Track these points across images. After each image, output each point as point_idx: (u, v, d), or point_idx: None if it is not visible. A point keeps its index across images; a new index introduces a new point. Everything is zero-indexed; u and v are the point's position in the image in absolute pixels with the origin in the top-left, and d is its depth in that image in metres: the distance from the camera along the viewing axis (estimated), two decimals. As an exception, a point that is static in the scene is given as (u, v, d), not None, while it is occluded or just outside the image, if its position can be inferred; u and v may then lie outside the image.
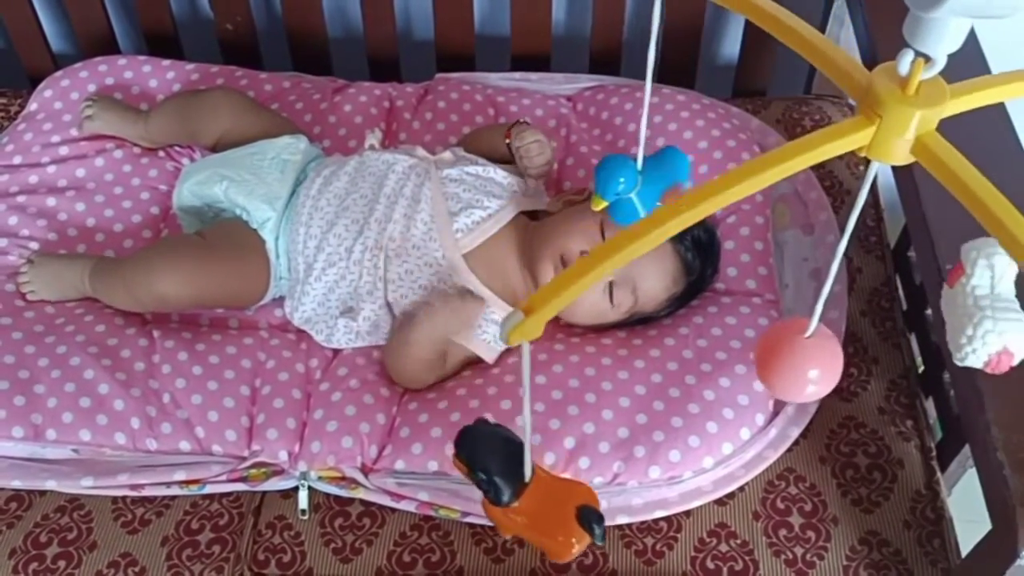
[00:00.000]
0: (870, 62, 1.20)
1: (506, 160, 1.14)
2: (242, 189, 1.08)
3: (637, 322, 1.07)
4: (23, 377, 1.00)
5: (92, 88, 1.30)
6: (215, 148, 1.19)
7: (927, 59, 0.46)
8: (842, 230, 1.17)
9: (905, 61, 0.46)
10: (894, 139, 0.49)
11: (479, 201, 1.06)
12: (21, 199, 1.19)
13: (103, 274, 1.08)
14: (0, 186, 1.21)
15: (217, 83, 1.32)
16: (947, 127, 0.50)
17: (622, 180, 0.82)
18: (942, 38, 0.46)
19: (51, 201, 1.19)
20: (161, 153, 1.25)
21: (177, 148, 1.25)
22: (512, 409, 0.98)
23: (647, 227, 0.50)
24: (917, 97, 0.48)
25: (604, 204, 0.84)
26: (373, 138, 1.16)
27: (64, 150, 1.25)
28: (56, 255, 1.13)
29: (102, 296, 1.09)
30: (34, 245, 1.16)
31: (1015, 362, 0.62)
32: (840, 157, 1.28)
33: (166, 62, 1.34)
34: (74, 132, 1.26)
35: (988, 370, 0.65)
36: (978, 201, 0.48)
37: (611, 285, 1.02)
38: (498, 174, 1.10)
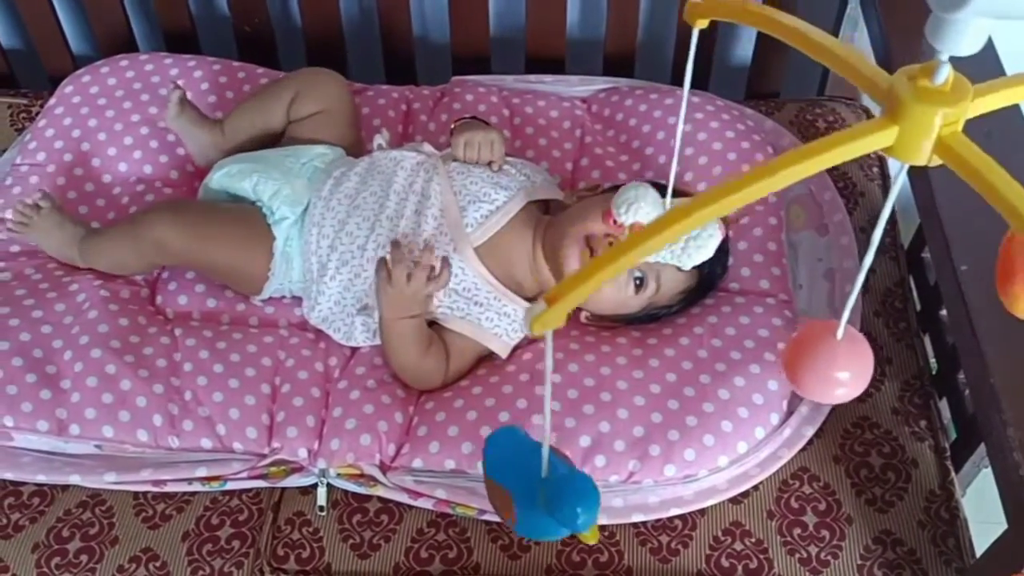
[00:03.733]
0: (885, 65, 1.20)
1: None
2: (269, 187, 1.10)
3: (649, 319, 1.08)
4: (50, 372, 1.02)
5: (113, 82, 1.31)
6: (285, 131, 1.19)
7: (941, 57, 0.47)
8: (857, 230, 1.19)
9: (944, 71, 0.47)
10: (918, 140, 0.50)
11: (487, 194, 1.08)
12: None
13: (104, 237, 1.12)
14: (29, 187, 1.22)
15: (239, 77, 1.33)
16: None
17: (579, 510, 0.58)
18: (964, 39, 0.46)
19: (83, 209, 1.22)
20: (181, 151, 1.26)
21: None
22: (528, 408, 0.99)
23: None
24: (941, 96, 0.48)
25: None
26: (381, 139, 1.17)
27: (86, 145, 1.26)
28: (59, 214, 1.14)
29: (101, 263, 1.12)
30: None
31: None
32: (854, 159, 1.30)
33: (189, 59, 1.35)
34: (92, 123, 1.27)
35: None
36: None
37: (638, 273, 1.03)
38: (505, 165, 1.11)
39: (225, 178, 1.12)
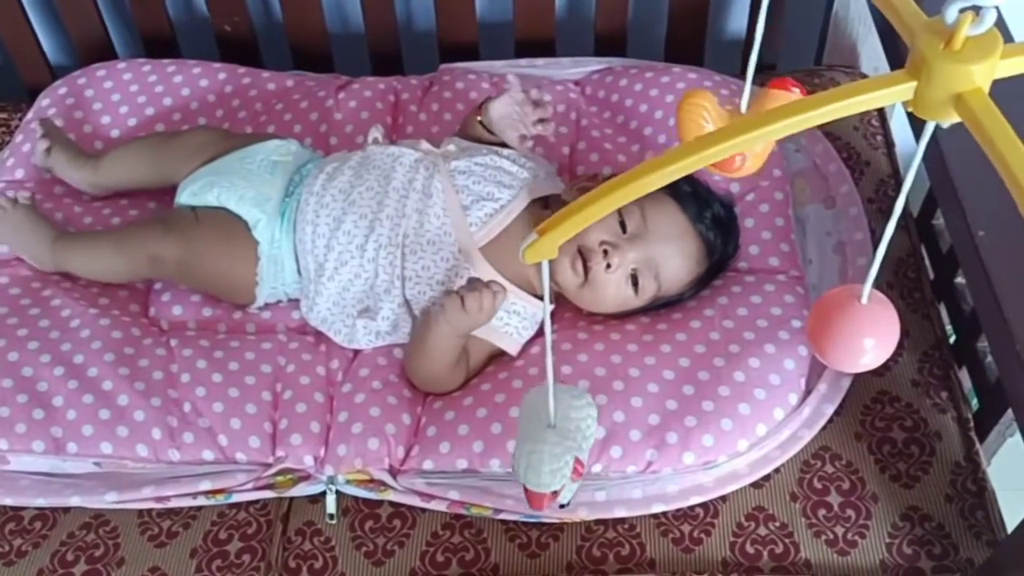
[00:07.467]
0: (885, 28, 1.17)
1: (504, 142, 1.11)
2: (232, 194, 1.07)
3: (661, 306, 1.05)
4: (41, 390, 0.99)
5: (90, 94, 1.28)
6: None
7: (977, 12, 0.44)
8: (864, 201, 1.16)
9: (952, 10, 0.44)
10: (936, 96, 0.47)
11: (490, 193, 1.05)
12: None
13: (82, 241, 1.11)
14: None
15: (219, 79, 1.30)
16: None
17: None
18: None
19: (59, 215, 1.18)
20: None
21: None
22: (539, 401, 0.96)
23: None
24: (962, 53, 0.46)
25: None
26: (376, 132, 1.14)
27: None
28: (34, 212, 1.12)
29: (76, 264, 1.10)
30: None
31: None
32: (855, 128, 1.27)
33: (168, 64, 1.32)
34: (71, 136, 1.24)
35: None
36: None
37: (635, 273, 1.00)
38: (506, 162, 1.08)
39: (190, 198, 1.09)
